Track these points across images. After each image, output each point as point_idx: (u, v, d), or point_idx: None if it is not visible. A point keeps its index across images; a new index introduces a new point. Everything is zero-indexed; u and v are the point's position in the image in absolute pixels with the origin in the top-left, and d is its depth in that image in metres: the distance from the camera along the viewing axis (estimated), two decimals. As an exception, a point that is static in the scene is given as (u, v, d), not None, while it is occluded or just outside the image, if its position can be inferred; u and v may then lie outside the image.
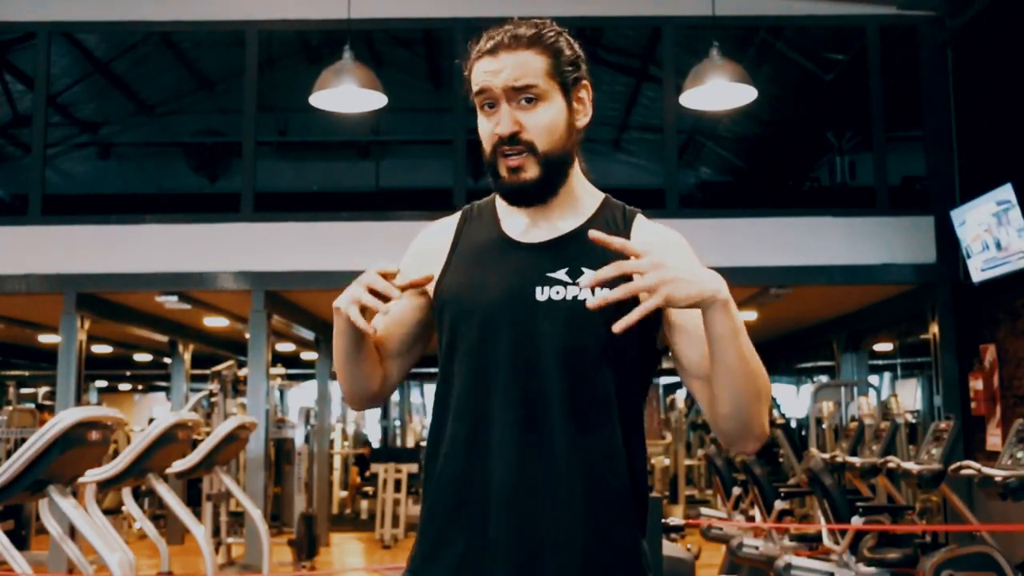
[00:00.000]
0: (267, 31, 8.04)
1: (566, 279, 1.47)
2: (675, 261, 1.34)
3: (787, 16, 7.86)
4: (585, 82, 1.55)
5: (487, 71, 1.49)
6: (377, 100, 6.49)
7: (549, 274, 1.48)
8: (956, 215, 6.92)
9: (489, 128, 1.51)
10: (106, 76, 9.56)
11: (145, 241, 7.57)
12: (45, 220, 7.65)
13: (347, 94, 6.40)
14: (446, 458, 1.49)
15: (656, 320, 1.47)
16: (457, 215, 1.65)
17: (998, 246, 6.47)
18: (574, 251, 1.50)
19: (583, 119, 1.55)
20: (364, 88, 6.32)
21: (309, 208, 10.48)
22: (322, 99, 6.47)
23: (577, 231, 1.52)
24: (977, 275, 6.74)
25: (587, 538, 1.42)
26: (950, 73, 7.53)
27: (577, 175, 1.57)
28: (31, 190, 7.70)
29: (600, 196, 1.60)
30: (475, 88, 1.51)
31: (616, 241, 1.36)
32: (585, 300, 1.43)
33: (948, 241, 7.18)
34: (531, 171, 1.49)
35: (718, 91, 6.33)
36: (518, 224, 1.56)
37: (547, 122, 1.49)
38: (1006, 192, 6.31)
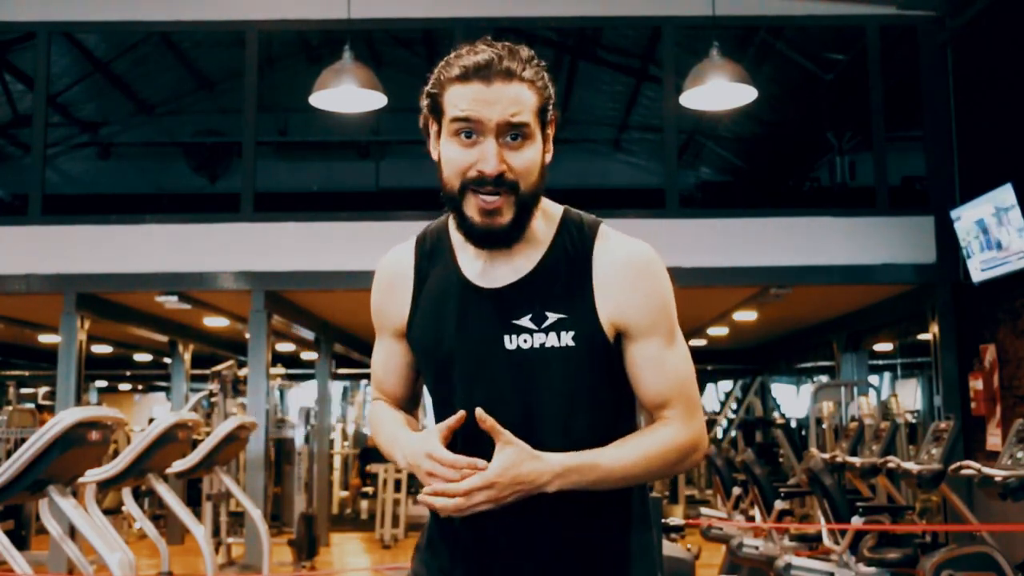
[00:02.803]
0: (267, 31, 8.04)
1: (532, 326, 1.43)
2: (520, 473, 1.34)
3: (787, 16, 7.85)
4: (553, 120, 1.48)
5: (479, 99, 1.38)
6: (377, 100, 6.49)
7: (515, 321, 1.44)
8: (956, 215, 6.92)
9: (463, 160, 1.40)
10: (106, 76, 9.55)
11: (145, 241, 7.56)
12: (45, 220, 7.64)
13: (347, 94, 6.40)
14: None
15: (621, 363, 1.47)
16: (410, 245, 1.58)
17: (998, 246, 6.47)
18: (536, 293, 1.45)
19: (548, 157, 1.48)
20: (364, 88, 6.32)
21: (309, 208, 10.47)
22: (322, 99, 6.46)
23: (536, 271, 1.46)
24: (977, 275, 6.74)
25: None
26: (950, 73, 7.52)
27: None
28: (31, 190, 7.70)
29: (557, 214, 1.51)
30: (456, 113, 1.39)
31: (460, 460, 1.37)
32: (553, 346, 1.42)
33: (948, 241, 7.18)
34: (507, 215, 1.41)
35: (718, 91, 6.32)
36: (475, 263, 1.49)
37: (530, 163, 1.42)
38: (1006, 192, 6.31)
